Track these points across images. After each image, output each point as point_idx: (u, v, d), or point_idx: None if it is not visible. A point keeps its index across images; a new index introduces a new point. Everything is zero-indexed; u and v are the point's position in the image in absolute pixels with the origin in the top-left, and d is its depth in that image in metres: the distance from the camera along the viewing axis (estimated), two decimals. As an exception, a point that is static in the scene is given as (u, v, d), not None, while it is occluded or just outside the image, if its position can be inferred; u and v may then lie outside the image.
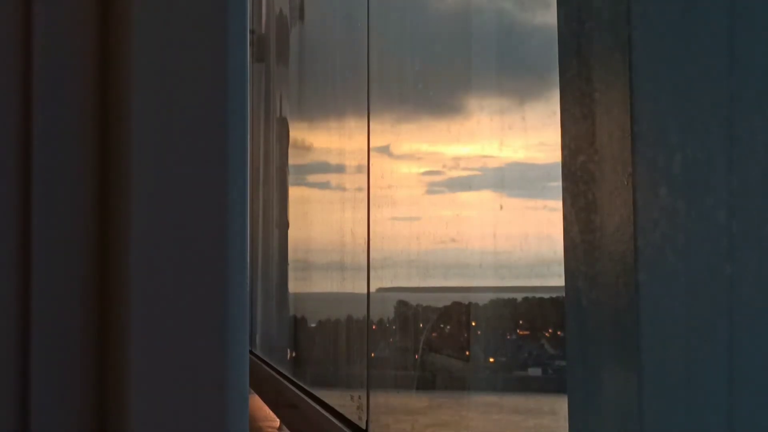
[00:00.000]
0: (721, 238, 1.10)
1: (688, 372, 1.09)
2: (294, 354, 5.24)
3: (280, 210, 6.00)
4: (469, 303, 2.65)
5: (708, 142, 1.10)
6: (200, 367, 1.11)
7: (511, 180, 2.37)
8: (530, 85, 2.32)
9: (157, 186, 1.12)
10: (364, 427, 3.35)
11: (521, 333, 2.40)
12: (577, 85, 1.19)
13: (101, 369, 1.13)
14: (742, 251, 1.09)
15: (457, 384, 2.83)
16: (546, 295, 2.30)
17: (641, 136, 1.10)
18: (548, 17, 2.13)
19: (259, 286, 6.41)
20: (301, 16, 5.41)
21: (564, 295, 1.21)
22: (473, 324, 2.65)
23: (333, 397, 3.98)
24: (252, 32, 6.56)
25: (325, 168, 4.80)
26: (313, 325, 5.05)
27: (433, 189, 2.99)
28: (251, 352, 6.00)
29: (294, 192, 5.71)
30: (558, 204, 1.25)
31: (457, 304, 2.78)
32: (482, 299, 2.56)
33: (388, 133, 3.39)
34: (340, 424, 3.57)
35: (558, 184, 1.23)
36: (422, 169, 3.07)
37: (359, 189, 3.58)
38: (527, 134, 2.27)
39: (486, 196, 2.55)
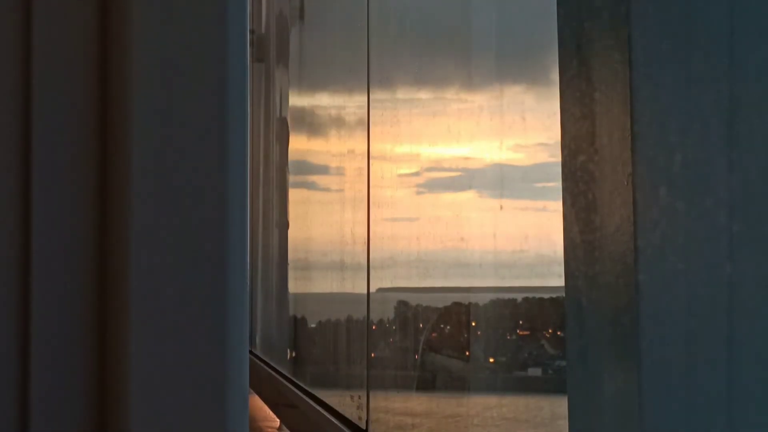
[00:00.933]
0: (721, 238, 1.10)
1: (688, 372, 1.09)
2: (294, 354, 5.23)
3: (280, 210, 6.00)
4: (469, 303, 2.65)
5: (708, 142, 1.10)
6: (200, 367, 1.11)
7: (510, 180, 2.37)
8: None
9: (157, 186, 1.12)
10: (364, 427, 3.35)
11: (521, 333, 2.40)
12: (577, 85, 1.19)
13: (101, 369, 1.13)
14: (742, 251, 1.09)
15: (457, 384, 2.83)
16: (546, 295, 2.30)
17: (641, 136, 1.10)
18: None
19: (259, 286, 6.40)
20: (301, 16, 5.41)
21: (564, 295, 1.21)
22: (473, 324, 2.64)
23: (333, 397, 3.98)
24: (252, 32, 6.55)
25: (324, 169, 4.81)
26: (313, 325, 5.04)
27: (425, 189, 2.99)
28: (251, 352, 5.99)
29: (294, 192, 5.71)
30: (557, 204, 1.25)
31: (456, 305, 2.78)
32: (482, 299, 2.56)
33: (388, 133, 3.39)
34: (340, 424, 3.57)
35: (551, 184, 1.23)
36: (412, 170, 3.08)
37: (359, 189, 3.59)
38: (526, 135, 2.27)
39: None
